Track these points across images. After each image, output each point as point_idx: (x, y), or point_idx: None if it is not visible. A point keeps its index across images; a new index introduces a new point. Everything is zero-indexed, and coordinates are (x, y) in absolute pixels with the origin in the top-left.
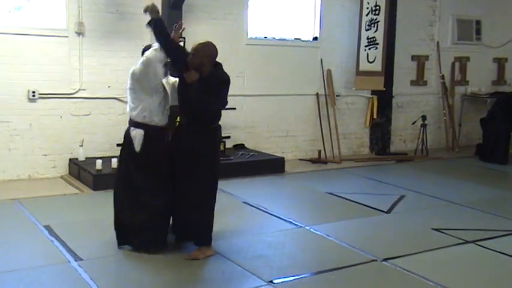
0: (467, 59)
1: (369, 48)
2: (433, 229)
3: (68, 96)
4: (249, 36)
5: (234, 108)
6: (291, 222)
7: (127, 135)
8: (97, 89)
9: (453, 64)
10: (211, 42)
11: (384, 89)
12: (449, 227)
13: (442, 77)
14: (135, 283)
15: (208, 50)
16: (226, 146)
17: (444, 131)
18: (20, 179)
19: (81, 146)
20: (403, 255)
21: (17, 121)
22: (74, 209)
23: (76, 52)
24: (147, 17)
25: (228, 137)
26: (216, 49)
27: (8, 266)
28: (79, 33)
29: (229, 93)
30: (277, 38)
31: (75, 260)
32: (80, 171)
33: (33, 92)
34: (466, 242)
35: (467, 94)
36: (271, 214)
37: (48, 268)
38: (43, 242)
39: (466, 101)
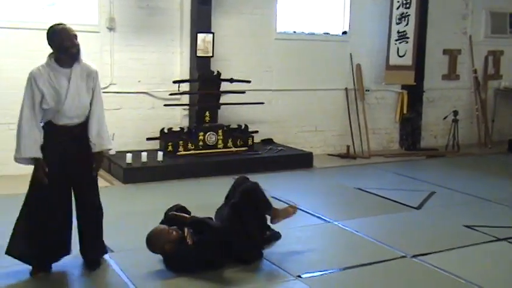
0: (501, 52)
1: (400, 42)
2: (464, 226)
3: None
4: (277, 31)
5: (262, 103)
6: (319, 218)
7: None
8: (127, 83)
9: (486, 58)
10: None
11: (415, 83)
12: (480, 224)
13: (475, 71)
14: (165, 275)
15: None
16: (255, 141)
17: (476, 126)
18: None
19: (112, 139)
20: (433, 252)
21: None
22: (105, 202)
23: (107, 47)
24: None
25: (256, 132)
26: None
27: None
28: (110, 29)
29: (258, 88)
30: (306, 32)
31: (106, 252)
32: (111, 164)
33: None
34: (498, 239)
35: (501, 89)
36: (299, 209)
37: (79, 260)
38: (74, 234)
39: (499, 95)
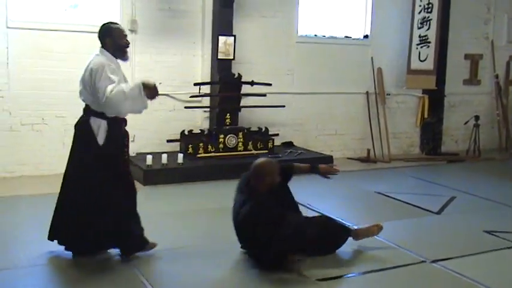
0: None
1: (421, 47)
2: (484, 231)
3: None
4: (299, 34)
5: (283, 106)
6: None
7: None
8: None
9: (508, 63)
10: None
11: (436, 88)
12: (501, 230)
13: (496, 76)
14: (183, 277)
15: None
16: (275, 144)
17: (497, 131)
18: None
19: (132, 141)
20: (453, 258)
21: (71, 116)
22: None
23: (129, 49)
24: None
25: (277, 135)
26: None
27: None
28: (132, 31)
29: (279, 91)
30: (327, 36)
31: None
32: (131, 166)
33: None
34: None
35: None
36: (319, 212)
37: (97, 261)
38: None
39: None
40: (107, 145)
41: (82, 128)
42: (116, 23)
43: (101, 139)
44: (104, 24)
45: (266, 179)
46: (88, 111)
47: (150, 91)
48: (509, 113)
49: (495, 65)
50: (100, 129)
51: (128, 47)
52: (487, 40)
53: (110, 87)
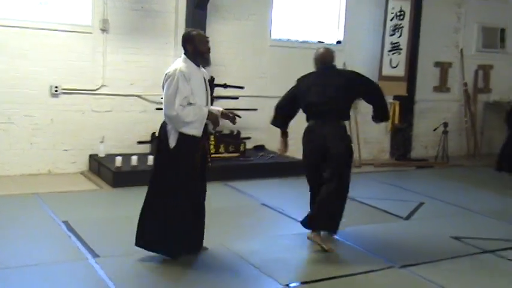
0: (491, 67)
1: (392, 53)
2: (451, 237)
3: (90, 92)
4: (272, 38)
5: (255, 109)
6: None
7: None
8: (119, 86)
9: (476, 72)
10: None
11: (406, 94)
12: (468, 236)
13: (465, 84)
14: (150, 281)
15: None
16: (247, 147)
17: (465, 138)
18: (40, 174)
19: (102, 142)
20: (421, 263)
21: (39, 116)
22: (93, 206)
23: (100, 49)
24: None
25: (248, 138)
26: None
27: (25, 260)
28: (103, 30)
29: (251, 94)
30: (300, 40)
31: (93, 257)
32: (100, 167)
33: (56, 87)
34: (485, 251)
35: (490, 102)
36: (289, 217)
37: (65, 264)
38: (61, 238)
39: (488, 109)
40: (177, 149)
41: (160, 130)
42: (197, 30)
43: (172, 142)
44: (186, 31)
45: None
46: None
47: (214, 120)
48: (477, 121)
49: (464, 73)
50: (171, 132)
51: (209, 52)
52: (456, 48)
53: (178, 103)
